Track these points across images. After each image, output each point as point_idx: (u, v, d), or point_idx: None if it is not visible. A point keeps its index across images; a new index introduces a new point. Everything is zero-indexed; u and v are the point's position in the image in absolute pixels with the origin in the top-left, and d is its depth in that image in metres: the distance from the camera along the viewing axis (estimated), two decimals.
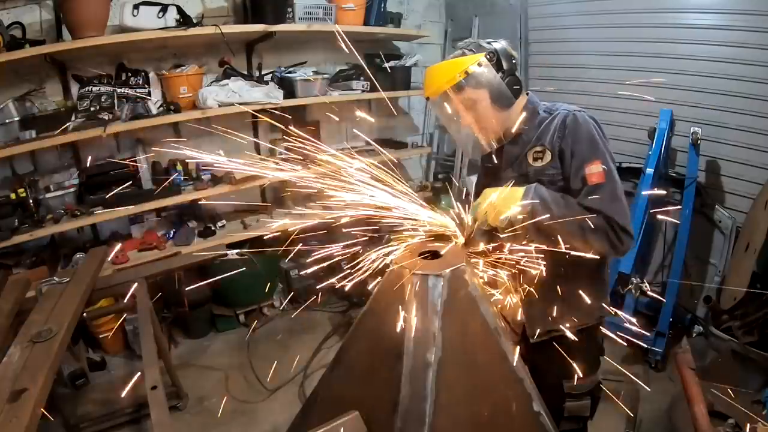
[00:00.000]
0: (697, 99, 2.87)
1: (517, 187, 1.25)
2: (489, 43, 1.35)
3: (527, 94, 1.42)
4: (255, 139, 3.43)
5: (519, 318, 1.47)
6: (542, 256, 1.22)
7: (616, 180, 1.26)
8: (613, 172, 1.25)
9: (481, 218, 1.24)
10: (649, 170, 2.59)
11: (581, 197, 1.24)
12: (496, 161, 1.46)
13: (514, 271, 1.27)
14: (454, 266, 0.99)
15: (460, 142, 1.51)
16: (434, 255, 1.08)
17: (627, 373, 2.65)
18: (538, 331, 1.43)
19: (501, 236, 1.24)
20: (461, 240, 1.24)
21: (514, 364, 1.04)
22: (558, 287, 1.37)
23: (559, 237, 1.20)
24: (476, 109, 1.35)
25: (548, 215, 1.19)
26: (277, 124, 2.03)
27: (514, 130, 1.39)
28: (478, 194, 1.38)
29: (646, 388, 2.21)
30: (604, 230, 1.20)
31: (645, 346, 2.67)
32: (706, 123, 2.77)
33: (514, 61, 1.35)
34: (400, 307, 0.98)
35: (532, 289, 1.40)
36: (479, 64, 1.30)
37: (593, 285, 1.41)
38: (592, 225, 1.19)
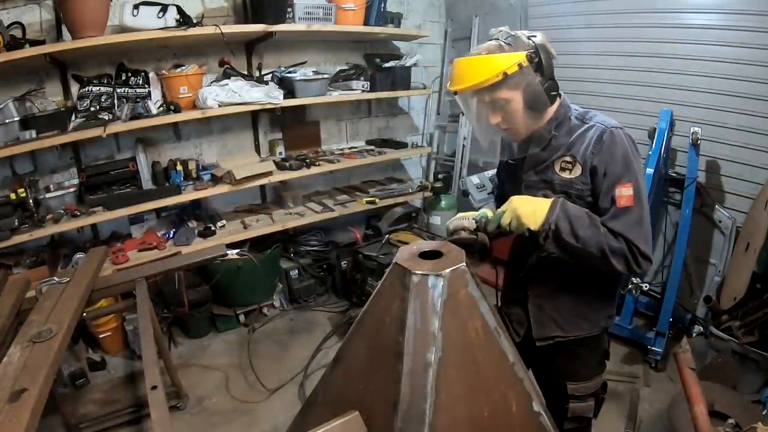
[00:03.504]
0: (697, 99, 2.86)
1: (544, 200, 1.23)
2: (529, 37, 1.23)
3: (559, 96, 1.32)
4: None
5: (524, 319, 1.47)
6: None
7: (644, 205, 1.22)
8: (642, 196, 1.22)
9: (503, 227, 1.24)
10: (649, 170, 2.59)
11: (607, 218, 1.21)
12: (518, 161, 1.41)
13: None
14: (454, 266, 0.99)
15: (484, 139, 1.41)
16: (434, 255, 1.08)
17: (627, 373, 2.67)
18: (544, 335, 1.43)
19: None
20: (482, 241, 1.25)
21: (514, 364, 1.04)
22: (568, 295, 1.38)
23: (578, 254, 1.20)
24: (507, 111, 1.26)
25: (570, 233, 1.18)
26: None
27: (544, 135, 1.32)
28: (503, 196, 1.36)
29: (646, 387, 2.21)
30: (623, 254, 1.19)
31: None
32: (706, 123, 2.77)
33: (552, 59, 1.25)
34: (399, 307, 0.98)
35: (539, 295, 1.41)
36: (519, 65, 1.18)
37: (602, 296, 1.41)
38: (612, 248, 1.18)
